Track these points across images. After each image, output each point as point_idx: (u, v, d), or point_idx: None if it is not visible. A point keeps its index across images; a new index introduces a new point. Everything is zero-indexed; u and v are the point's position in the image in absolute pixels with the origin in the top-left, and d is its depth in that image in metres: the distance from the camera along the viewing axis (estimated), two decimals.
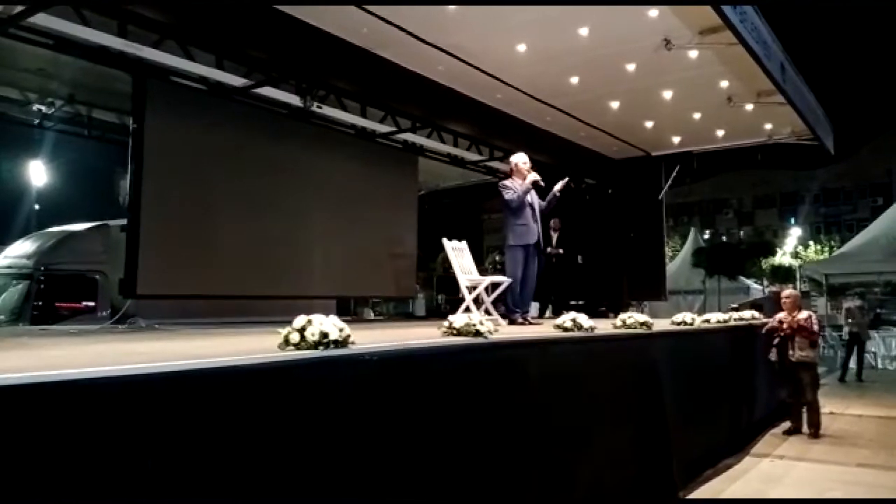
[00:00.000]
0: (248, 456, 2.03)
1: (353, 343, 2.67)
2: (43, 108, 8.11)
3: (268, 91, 7.54)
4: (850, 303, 13.03)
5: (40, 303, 7.43)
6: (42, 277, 7.52)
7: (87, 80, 7.34)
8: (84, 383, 1.67)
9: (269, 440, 2.11)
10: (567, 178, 6.61)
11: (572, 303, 9.64)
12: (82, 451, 1.62)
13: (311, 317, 2.60)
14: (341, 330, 2.63)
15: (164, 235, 6.43)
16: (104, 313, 7.39)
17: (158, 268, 6.35)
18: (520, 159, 6.47)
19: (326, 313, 2.70)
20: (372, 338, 3.17)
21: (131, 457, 1.72)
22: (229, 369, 2.05)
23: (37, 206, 17.04)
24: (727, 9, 5.70)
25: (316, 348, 2.53)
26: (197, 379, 1.93)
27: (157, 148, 6.41)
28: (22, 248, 8.06)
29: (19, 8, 5.37)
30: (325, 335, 2.56)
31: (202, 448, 1.90)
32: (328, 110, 8.25)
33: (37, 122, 8.38)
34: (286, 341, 2.54)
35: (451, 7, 5.94)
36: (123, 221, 6.69)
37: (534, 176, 6.31)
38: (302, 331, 2.55)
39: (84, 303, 7.83)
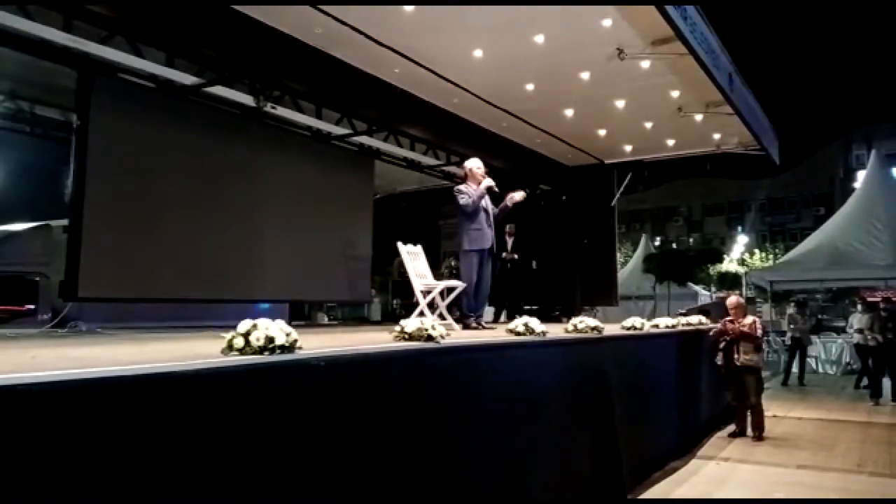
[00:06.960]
0: (184, 468, 1.96)
1: (300, 348, 2.62)
2: None
3: (220, 90, 7.37)
4: (791, 309, 13.46)
5: None
6: None
7: (30, 75, 7.09)
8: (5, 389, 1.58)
9: (209, 450, 2.04)
10: (524, 193, 6.62)
11: (526, 307, 9.69)
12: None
13: (257, 321, 2.55)
14: (288, 335, 2.58)
15: (107, 236, 6.22)
16: (45, 316, 7.13)
17: (101, 270, 6.15)
18: (474, 164, 6.49)
19: (275, 318, 2.65)
20: (322, 343, 3.11)
21: (53, 470, 1.63)
22: (164, 375, 1.96)
23: None
24: (675, 15, 5.77)
25: (261, 353, 2.47)
26: (128, 386, 1.85)
27: (103, 146, 6.21)
28: None
29: None
30: (270, 340, 2.51)
31: (133, 461, 1.82)
32: (283, 111, 8.13)
33: None
34: (230, 346, 2.48)
35: (407, 9, 5.93)
36: (66, 222, 6.47)
37: (488, 181, 6.33)
38: (247, 335, 2.49)
39: (24, 305, 7.56)
